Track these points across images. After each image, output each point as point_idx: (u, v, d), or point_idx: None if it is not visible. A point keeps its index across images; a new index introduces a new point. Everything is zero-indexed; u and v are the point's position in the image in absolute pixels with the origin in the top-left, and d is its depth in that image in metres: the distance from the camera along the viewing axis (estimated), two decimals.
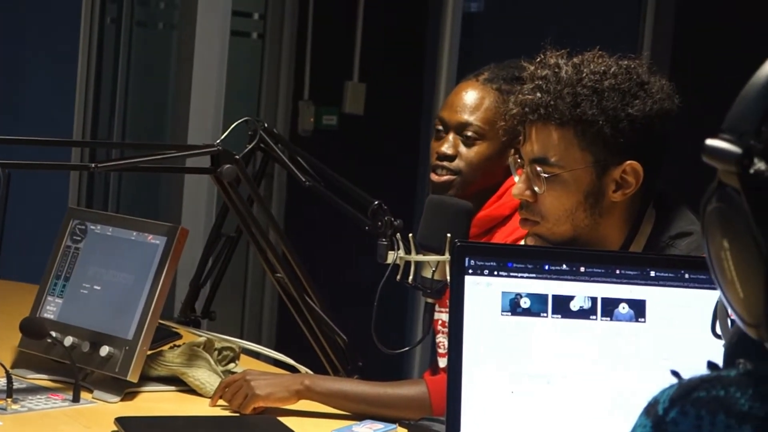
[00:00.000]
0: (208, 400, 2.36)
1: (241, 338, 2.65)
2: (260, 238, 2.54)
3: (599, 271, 1.79)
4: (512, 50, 2.52)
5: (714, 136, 1.02)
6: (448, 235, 2.15)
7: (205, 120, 4.35)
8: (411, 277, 2.23)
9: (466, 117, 2.47)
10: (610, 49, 2.06)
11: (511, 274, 1.78)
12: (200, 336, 2.53)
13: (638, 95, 1.98)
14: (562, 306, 1.78)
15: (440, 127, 2.51)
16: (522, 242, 2.15)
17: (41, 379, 2.42)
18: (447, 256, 2.15)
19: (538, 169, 2.01)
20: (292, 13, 4.60)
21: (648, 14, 5.02)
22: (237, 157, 2.44)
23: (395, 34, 4.79)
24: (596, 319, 1.78)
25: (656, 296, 1.79)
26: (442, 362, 2.45)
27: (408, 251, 2.26)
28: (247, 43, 4.66)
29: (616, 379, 1.77)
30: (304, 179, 2.55)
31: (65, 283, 2.51)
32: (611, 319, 1.78)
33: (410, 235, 2.27)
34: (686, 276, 1.79)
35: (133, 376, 2.32)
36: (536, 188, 2.01)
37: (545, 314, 1.78)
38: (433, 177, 2.49)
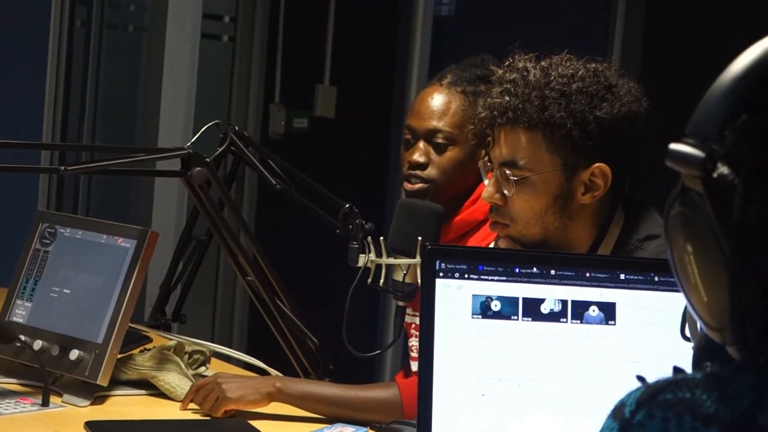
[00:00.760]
0: (179, 403, 2.35)
1: (212, 341, 2.65)
2: (231, 241, 2.53)
3: (569, 274, 1.79)
4: (483, 53, 2.52)
5: (677, 140, 1.03)
6: (419, 238, 2.15)
7: (176, 123, 4.34)
8: (382, 281, 2.23)
9: (435, 123, 2.46)
10: (581, 52, 2.07)
11: (482, 277, 1.78)
12: (171, 339, 2.53)
13: (606, 98, 1.99)
14: (532, 309, 1.78)
15: (409, 136, 2.50)
16: (492, 245, 2.16)
17: (10, 383, 2.41)
18: (418, 259, 2.15)
19: (507, 172, 2.01)
20: (263, 16, 4.60)
21: (618, 17, 5.04)
22: (207, 160, 2.44)
23: (366, 37, 4.80)
24: (566, 321, 1.79)
25: (626, 299, 1.79)
26: (415, 366, 2.45)
27: (379, 254, 2.26)
28: (217, 45, 4.66)
29: (587, 382, 1.77)
30: (274, 182, 2.54)
31: (34, 287, 2.50)
32: (581, 322, 1.79)
33: (381, 238, 2.27)
34: (656, 279, 1.79)
35: (103, 380, 2.31)
36: (506, 191, 2.02)
37: (516, 317, 1.78)
38: (407, 186, 2.48)
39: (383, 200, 4.73)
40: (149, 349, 2.48)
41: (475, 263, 1.78)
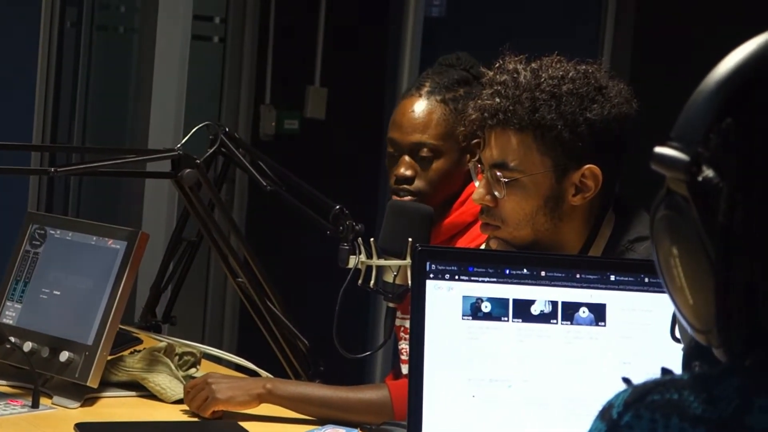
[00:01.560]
0: (169, 405, 2.35)
1: (202, 343, 2.65)
2: (221, 242, 2.53)
3: (560, 275, 1.80)
4: (473, 55, 2.52)
5: (662, 143, 1.03)
6: (410, 239, 2.15)
7: (166, 124, 4.33)
8: (372, 282, 2.23)
9: (419, 137, 2.43)
10: (571, 54, 2.07)
11: (472, 278, 1.79)
12: (161, 341, 2.53)
13: (596, 100, 2.00)
14: (522, 310, 1.79)
15: (392, 149, 2.47)
16: (483, 246, 2.16)
17: (0, 385, 2.40)
18: (408, 261, 2.15)
19: (498, 174, 2.02)
20: (254, 18, 4.59)
21: (608, 19, 5.05)
22: (198, 161, 2.44)
23: (357, 39, 4.80)
24: (557, 323, 1.79)
25: (616, 300, 1.80)
26: (405, 369, 2.45)
27: (369, 256, 2.26)
28: (208, 47, 4.65)
29: (577, 383, 1.78)
30: (265, 184, 2.54)
31: (24, 288, 2.49)
32: (571, 323, 1.79)
33: (372, 239, 2.27)
34: (646, 280, 1.80)
35: (93, 382, 2.31)
36: (496, 193, 2.02)
37: (506, 318, 1.78)
38: (395, 200, 2.46)
39: (374, 201, 4.73)
40: (139, 351, 2.48)
41: (465, 264, 1.78)
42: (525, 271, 1.79)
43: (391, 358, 4.13)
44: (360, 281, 2.25)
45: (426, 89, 2.45)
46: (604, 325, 1.79)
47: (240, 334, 4.59)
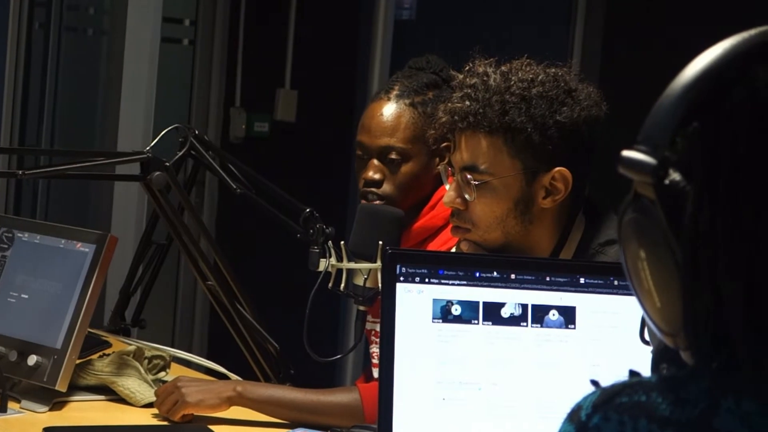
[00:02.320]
0: (138, 409, 2.34)
1: (172, 347, 2.64)
2: (191, 246, 2.52)
3: (529, 278, 1.80)
4: (444, 57, 2.52)
5: (629, 147, 1.03)
6: (380, 242, 2.15)
7: (135, 127, 4.32)
8: (343, 285, 2.23)
9: (387, 140, 2.42)
10: (541, 57, 2.07)
11: (443, 281, 1.79)
12: (130, 344, 2.52)
13: (566, 102, 2.00)
14: (492, 313, 1.79)
15: (361, 152, 2.47)
16: (454, 249, 2.16)
17: None
18: (379, 264, 2.15)
19: (468, 176, 2.02)
20: (223, 20, 4.58)
21: (578, 21, 5.07)
22: (167, 164, 2.43)
23: (327, 41, 4.79)
24: (527, 326, 1.79)
25: (586, 303, 1.80)
26: (376, 372, 2.45)
27: (340, 259, 2.26)
28: (177, 49, 4.63)
29: (547, 386, 1.78)
30: (235, 186, 2.54)
31: None
32: (541, 326, 1.80)
33: (342, 242, 2.27)
34: (615, 283, 1.80)
35: (61, 386, 2.30)
36: (467, 196, 2.03)
37: (476, 321, 1.79)
38: (365, 203, 2.46)
39: (344, 204, 4.73)
40: (108, 354, 2.47)
41: (435, 267, 1.79)
42: (495, 274, 1.79)
43: (362, 362, 4.14)
44: (330, 284, 2.25)
45: (395, 92, 2.45)
46: (574, 328, 1.80)
47: (210, 338, 4.58)
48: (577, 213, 2.07)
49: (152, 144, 2.48)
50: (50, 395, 2.32)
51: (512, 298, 1.79)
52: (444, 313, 1.78)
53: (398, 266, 1.78)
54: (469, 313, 1.78)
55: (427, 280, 1.78)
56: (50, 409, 2.31)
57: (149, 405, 2.35)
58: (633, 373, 1.06)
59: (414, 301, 1.78)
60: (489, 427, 1.77)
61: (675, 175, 1.00)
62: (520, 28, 5.06)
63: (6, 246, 2.51)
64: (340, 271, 2.24)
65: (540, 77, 2.01)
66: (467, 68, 2.07)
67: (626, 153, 1.03)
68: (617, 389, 1.03)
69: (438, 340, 1.78)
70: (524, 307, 1.79)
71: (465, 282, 1.79)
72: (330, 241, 2.33)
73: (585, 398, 1.04)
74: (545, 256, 2.04)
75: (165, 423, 2.28)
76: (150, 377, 2.42)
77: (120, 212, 4.32)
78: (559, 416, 1.07)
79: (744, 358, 0.99)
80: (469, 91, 2.02)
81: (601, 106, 2.05)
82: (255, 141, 4.63)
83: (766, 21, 1.09)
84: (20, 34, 4.29)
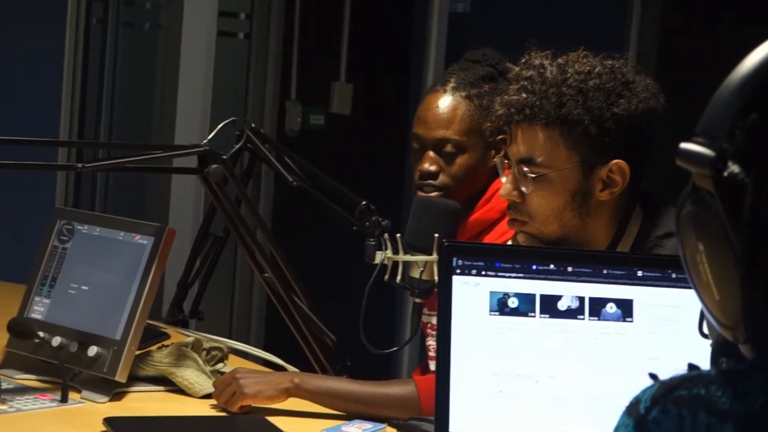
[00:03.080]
0: (197, 399, 2.36)
1: (230, 338, 2.65)
2: (248, 238, 2.54)
3: (587, 270, 1.80)
4: (498, 50, 2.52)
5: (688, 139, 1.03)
6: (436, 235, 2.15)
7: (192, 120, 4.35)
8: (399, 277, 2.23)
9: (443, 132, 2.43)
10: (597, 49, 2.06)
11: (499, 273, 1.79)
12: (188, 336, 2.53)
13: (623, 94, 1.99)
14: (549, 306, 1.79)
15: (417, 145, 2.46)
16: (510, 242, 2.16)
17: (29, 380, 2.42)
18: (435, 256, 2.15)
19: (525, 169, 2.01)
20: (279, 14, 4.60)
21: (634, 13, 5.03)
22: (224, 157, 2.44)
23: (382, 35, 4.80)
24: (584, 318, 1.79)
25: (643, 296, 1.80)
26: (433, 366, 2.45)
27: (396, 251, 2.26)
28: (233, 43, 4.66)
29: (603, 379, 1.78)
30: (291, 179, 2.55)
31: (53, 284, 2.51)
32: (599, 319, 1.79)
33: (398, 235, 2.27)
34: (673, 276, 1.80)
35: (121, 376, 2.32)
36: (523, 188, 2.02)
37: (533, 314, 1.79)
38: (421, 195, 2.46)
39: (400, 197, 4.73)
40: (167, 346, 2.49)
41: (492, 260, 1.79)
42: (552, 266, 1.79)
43: (418, 354, 4.14)
44: (387, 277, 2.25)
45: (451, 85, 2.45)
46: (632, 321, 1.79)
47: (267, 330, 4.60)
48: (634, 206, 2.06)
49: (209, 137, 2.49)
50: (110, 386, 2.35)
51: (569, 291, 1.79)
52: (501, 306, 1.78)
53: (454, 259, 1.78)
54: (525, 305, 1.78)
55: (483, 272, 1.78)
56: (110, 400, 2.33)
57: (207, 396, 2.37)
58: (692, 367, 1.06)
59: (470, 293, 1.78)
60: (546, 419, 1.77)
61: (734, 167, 1.00)
62: (575, 19, 5.03)
63: (66, 238, 2.54)
64: (396, 263, 2.24)
65: (597, 69, 2.00)
66: (523, 60, 2.06)
67: (684, 145, 1.03)
68: (676, 382, 1.02)
69: (495, 332, 1.78)
70: (581, 299, 1.79)
71: (522, 275, 1.79)
72: (386, 234, 2.34)
73: (644, 391, 1.04)
74: (602, 248, 2.03)
75: (223, 414, 2.30)
76: (208, 368, 2.44)
77: (177, 205, 4.36)
78: (617, 410, 1.07)
79: None
80: (526, 83, 2.02)
81: (659, 98, 2.04)
82: (311, 134, 4.64)
83: None
84: (78, 30, 4.33)
